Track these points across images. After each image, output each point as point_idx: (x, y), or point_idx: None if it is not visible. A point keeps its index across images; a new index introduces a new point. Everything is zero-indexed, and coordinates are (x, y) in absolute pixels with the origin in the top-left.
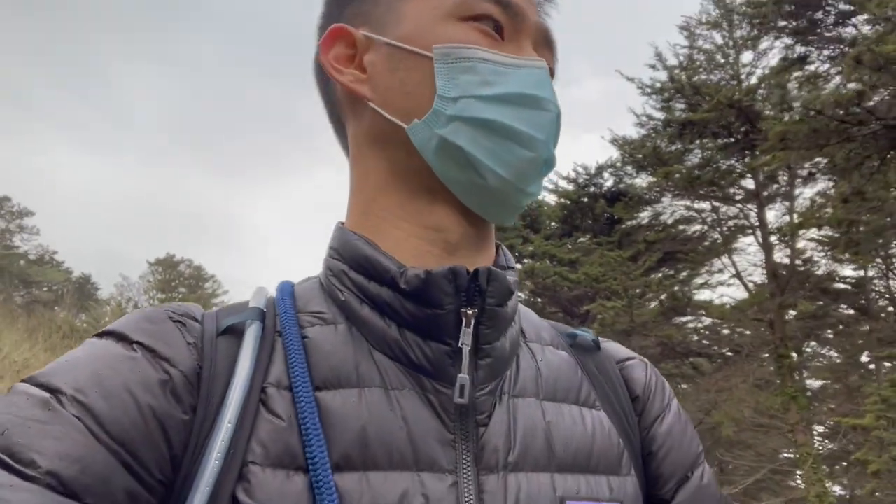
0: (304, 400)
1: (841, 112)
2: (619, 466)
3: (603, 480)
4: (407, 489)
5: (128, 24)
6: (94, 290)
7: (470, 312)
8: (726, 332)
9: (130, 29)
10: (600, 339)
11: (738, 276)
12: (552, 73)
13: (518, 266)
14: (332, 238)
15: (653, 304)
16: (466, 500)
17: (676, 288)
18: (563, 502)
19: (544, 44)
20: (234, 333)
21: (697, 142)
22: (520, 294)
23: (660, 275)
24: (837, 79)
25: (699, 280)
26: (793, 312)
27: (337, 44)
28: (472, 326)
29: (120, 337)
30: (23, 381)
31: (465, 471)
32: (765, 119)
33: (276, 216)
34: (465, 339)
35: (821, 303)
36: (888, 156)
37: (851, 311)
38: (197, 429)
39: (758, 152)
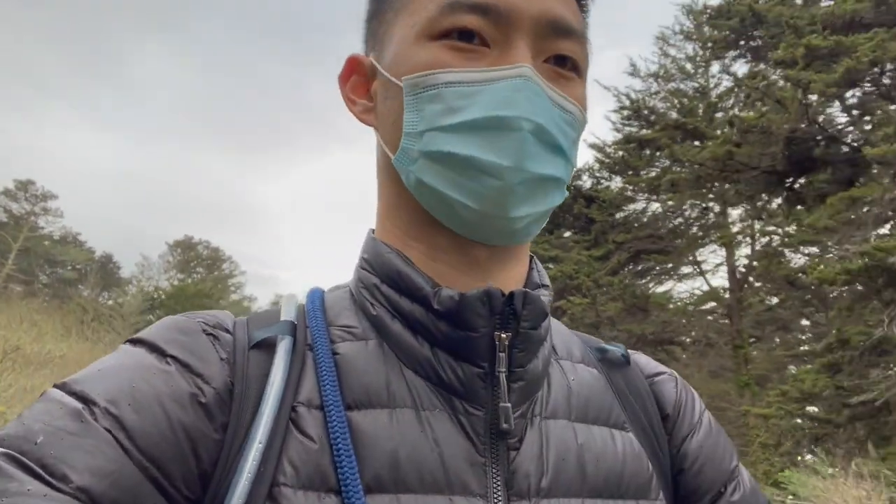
0: (336, 421)
1: (720, 164)
2: (648, 490)
3: None
4: None
5: (139, 2)
6: (116, 269)
7: (504, 336)
8: (690, 323)
9: (142, 7)
10: (630, 352)
11: (701, 273)
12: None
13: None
14: (363, 248)
15: (617, 302)
16: None
17: (639, 291)
18: None
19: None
20: (266, 347)
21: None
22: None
23: (620, 275)
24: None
25: (666, 277)
26: (753, 307)
27: (354, 74)
28: (506, 351)
29: (153, 347)
30: (56, 386)
31: (495, 495)
32: (710, 138)
33: (288, 193)
34: (501, 366)
35: (776, 299)
36: (771, 191)
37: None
38: (227, 447)
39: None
